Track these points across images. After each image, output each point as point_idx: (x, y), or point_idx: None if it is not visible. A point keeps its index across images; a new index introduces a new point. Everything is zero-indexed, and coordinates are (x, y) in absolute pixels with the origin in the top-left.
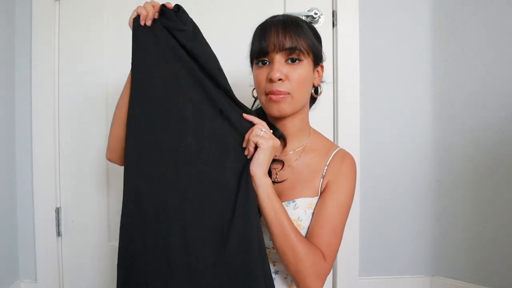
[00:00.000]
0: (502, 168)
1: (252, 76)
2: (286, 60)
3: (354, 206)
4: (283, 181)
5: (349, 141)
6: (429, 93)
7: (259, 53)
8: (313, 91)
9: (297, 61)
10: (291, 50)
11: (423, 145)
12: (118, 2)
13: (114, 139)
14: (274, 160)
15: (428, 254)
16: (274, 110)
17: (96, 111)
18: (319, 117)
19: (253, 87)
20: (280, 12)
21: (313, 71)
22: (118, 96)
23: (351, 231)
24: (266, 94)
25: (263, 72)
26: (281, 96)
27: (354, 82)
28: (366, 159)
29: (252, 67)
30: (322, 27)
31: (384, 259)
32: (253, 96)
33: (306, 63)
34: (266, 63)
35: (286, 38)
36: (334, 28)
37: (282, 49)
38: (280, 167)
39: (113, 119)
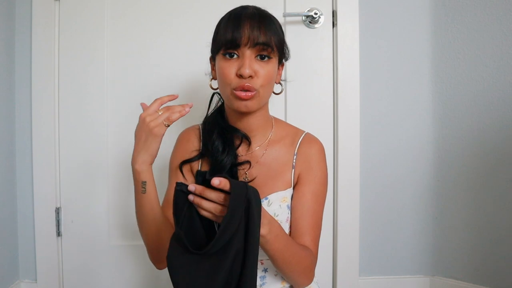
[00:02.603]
0: (502, 168)
1: (209, 65)
2: (255, 56)
3: (354, 206)
4: (253, 179)
5: (349, 141)
6: (429, 93)
7: (230, 45)
8: (274, 89)
9: (266, 58)
10: (264, 46)
11: (423, 145)
12: (118, 2)
13: (152, 247)
14: (240, 164)
15: (428, 254)
16: (242, 106)
17: (96, 111)
18: (319, 117)
19: (211, 77)
20: (280, 11)
21: (277, 68)
22: (117, 95)
23: (351, 231)
24: (233, 89)
25: (231, 65)
26: (250, 94)
27: (354, 82)
28: (366, 159)
29: (214, 56)
30: (322, 27)
31: (384, 259)
32: (212, 87)
33: (274, 60)
34: (234, 56)
35: (261, 33)
36: (334, 28)
37: (255, 44)
38: (248, 166)
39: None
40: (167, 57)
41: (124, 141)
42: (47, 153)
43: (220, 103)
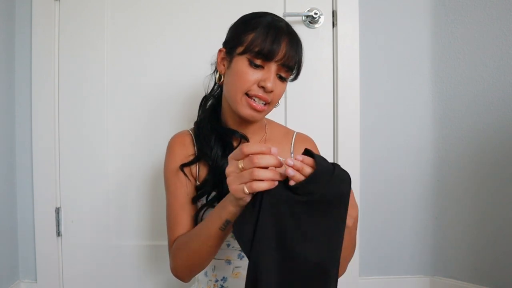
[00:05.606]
0: (502, 168)
1: (215, 57)
2: (276, 74)
3: None
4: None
5: (349, 141)
6: (429, 93)
7: (264, 56)
8: None
9: (284, 79)
10: (289, 68)
11: (423, 145)
12: (118, 2)
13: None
14: None
15: (428, 254)
16: (248, 114)
17: (96, 111)
18: (319, 117)
19: (217, 71)
20: (280, 12)
21: None
22: (118, 95)
23: None
24: (247, 95)
25: (255, 74)
26: (263, 107)
27: (354, 82)
28: (366, 158)
29: (231, 52)
30: (322, 27)
31: (384, 259)
32: (217, 81)
33: (287, 81)
34: (259, 66)
35: (293, 56)
36: (334, 28)
37: (285, 64)
38: None
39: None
40: (167, 57)
41: (124, 140)
42: (47, 153)
43: (212, 105)
